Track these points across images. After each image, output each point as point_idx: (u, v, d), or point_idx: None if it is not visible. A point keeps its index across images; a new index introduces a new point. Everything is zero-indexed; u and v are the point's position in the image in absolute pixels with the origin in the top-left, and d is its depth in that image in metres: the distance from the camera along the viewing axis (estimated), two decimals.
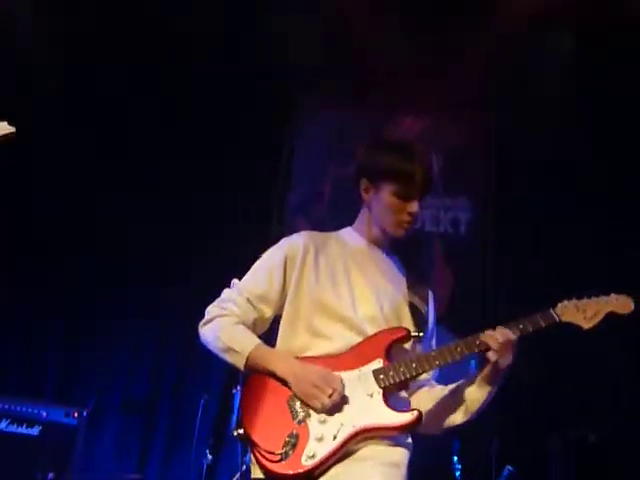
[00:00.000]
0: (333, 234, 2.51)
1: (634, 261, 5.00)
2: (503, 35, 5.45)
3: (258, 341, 2.27)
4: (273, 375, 2.19)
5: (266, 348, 2.25)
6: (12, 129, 1.90)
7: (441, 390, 2.34)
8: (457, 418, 2.29)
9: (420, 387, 2.36)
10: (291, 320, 2.32)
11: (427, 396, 2.34)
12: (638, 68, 5.19)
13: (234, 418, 4.31)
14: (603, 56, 5.36)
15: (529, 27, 5.46)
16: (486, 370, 2.23)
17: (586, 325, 2.24)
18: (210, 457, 4.35)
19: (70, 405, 4.50)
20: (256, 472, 2.13)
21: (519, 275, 5.42)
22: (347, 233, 2.50)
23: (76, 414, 4.42)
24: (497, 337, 2.16)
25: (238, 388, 4.38)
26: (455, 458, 4.30)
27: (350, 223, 2.52)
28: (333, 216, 5.79)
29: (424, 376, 2.31)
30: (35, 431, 4.35)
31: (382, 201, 2.34)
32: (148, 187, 5.61)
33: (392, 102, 5.82)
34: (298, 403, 2.14)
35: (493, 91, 5.66)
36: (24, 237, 5.44)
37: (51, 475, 4.18)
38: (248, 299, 2.33)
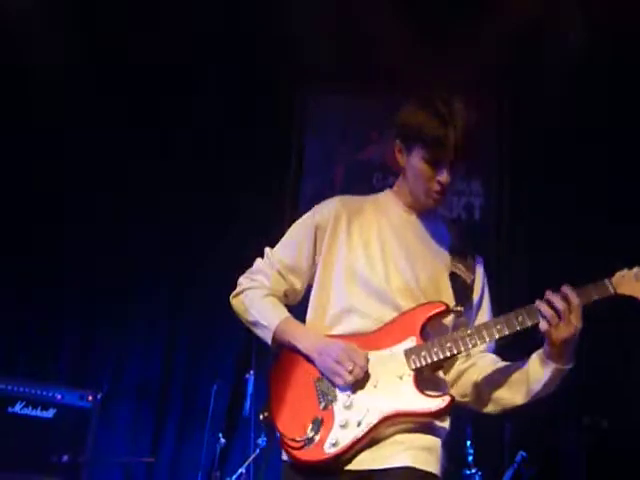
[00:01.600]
0: (371, 197, 2.36)
1: None
2: (518, 17, 5.38)
3: (286, 315, 2.20)
4: (299, 352, 2.11)
5: (293, 322, 2.18)
6: None
7: (497, 363, 2.15)
8: (517, 399, 2.08)
9: (473, 362, 2.18)
10: (321, 292, 2.22)
11: (479, 369, 2.16)
12: None
13: (247, 403, 4.34)
14: (620, 37, 5.28)
15: (546, 9, 5.39)
16: (549, 343, 1.96)
17: None
18: (223, 441, 4.37)
19: (84, 388, 4.52)
20: (284, 455, 2.08)
21: (535, 262, 5.38)
22: (386, 197, 2.34)
23: (90, 397, 4.43)
24: (548, 304, 1.93)
25: (251, 373, 4.40)
26: (468, 442, 4.28)
27: (391, 185, 2.37)
28: None
29: (477, 349, 2.11)
30: (50, 414, 4.36)
31: (413, 166, 2.17)
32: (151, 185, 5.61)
33: (405, 87, 5.77)
34: (325, 385, 2.05)
35: (508, 75, 5.60)
36: (40, 220, 5.45)
37: (65, 457, 4.21)
38: (278, 270, 2.26)
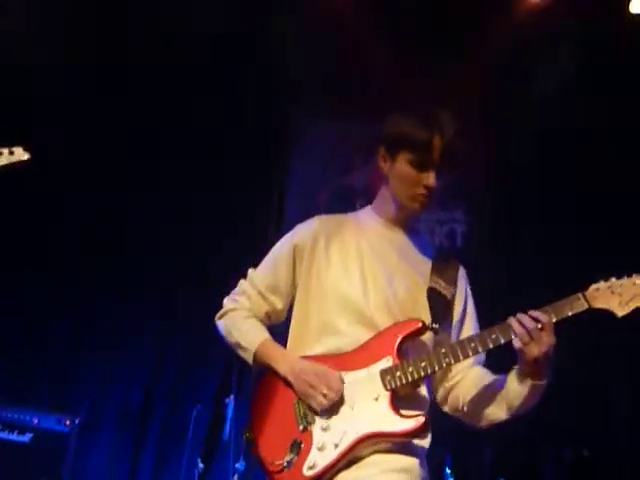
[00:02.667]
0: (351, 215, 2.38)
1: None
2: (502, 49, 5.49)
3: (266, 337, 2.22)
4: (277, 374, 2.14)
5: (272, 345, 2.19)
6: (27, 156, 1.95)
7: (485, 377, 2.15)
8: (500, 413, 2.08)
9: (461, 377, 2.19)
10: (301, 312, 2.24)
11: (468, 382, 2.17)
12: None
13: (227, 427, 4.30)
14: (605, 66, 5.38)
15: (529, 39, 5.49)
16: (522, 361, 1.98)
17: (621, 312, 1.94)
18: (202, 466, 4.33)
19: (62, 413, 4.47)
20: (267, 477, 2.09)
21: (516, 288, 5.41)
22: (365, 213, 2.35)
23: (68, 422, 4.39)
24: (519, 323, 1.94)
25: (231, 397, 4.37)
26: (448, 471, 4.28)
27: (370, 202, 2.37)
28: None
29: (465, 363, 2.12)
30: (26, 438, 4.32)
31: (398, 171, 2.17)
32: (151, 187, 5.61)
33: (399, 108, 5.81)
34: (303, 408, 2.07)
35: (491, 104, 5.68)
36: (24, 240, 5.40)
37: None
38: (259, 291, 2.29)
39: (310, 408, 2.06)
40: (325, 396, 2.01)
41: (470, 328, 2.24)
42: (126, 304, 5.40)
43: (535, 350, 1.92)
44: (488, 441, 4.41)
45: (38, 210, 5.40)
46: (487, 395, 2.11)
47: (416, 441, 2.05)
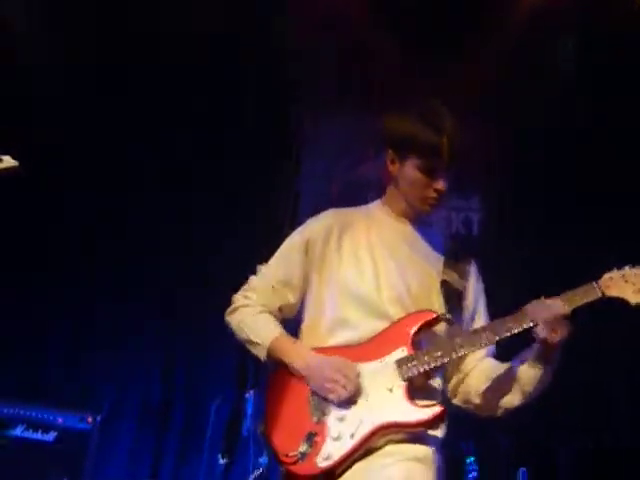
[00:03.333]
0: (363, 208, 2.38)
1: None
2: (509, 37, 5.44)
3: (279, 332, 2.21)
4: (292, 369, 2.14)
5: (286, 340, 2.19)
6: (15, 163, 1.95)
7: (496, 367, 2.18)
8: (514, 400, 2.13)
9: (473, 365, 2.21)
10: (313, 306, 2.24)
11: (479, 374, 2.19)
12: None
13: (247, 422, 4.32)
14: (604, 60, 5.33)
15: (533, 30, 5.45)
16: (536, 347, 2.04)
17: (634, 299, 1.98)
18: (223, 461, 4.34)
19: (84, 410, 4.50)
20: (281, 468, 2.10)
21: (534, 276, 5.37)
22: (376, 207, 2.35)
23: (90, 419, 4.42)
24: (544, 312, 1.98)
25: (250, 392, 4.38)
26: (472, 459, 4.26)
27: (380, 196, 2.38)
28: None
29: (477, 355, 2.17)
30: (50, 437, 4.35)
31: (407, 175, 2.18)
32: (151, 187, 5.62)
33: (402, 105, 5.79)
34: (317, 399, 2.07)
35: (508, 92, 5.63)
36: (31, 239, 5.42)
37: None
38: (272, 285, 2.28)
39: (325, 399, 2.05)
40: (344, 388, 2.01)
41: (482, 322, 2.25)
42: (143, 300, 5.43)
43: (557, 338, 1.96)
44: (509, 431, 4.39)
45: (39, 210, 5.42)
46: (500, 385, 2.13)
47: (430, 431, 2.06)
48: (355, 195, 5.81)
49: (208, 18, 5.37)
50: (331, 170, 6.07)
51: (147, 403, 5.41)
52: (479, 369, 2.20)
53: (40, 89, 5.28)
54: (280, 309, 2.30)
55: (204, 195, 5.60)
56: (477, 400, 2.18)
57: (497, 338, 2.04)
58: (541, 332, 1.98)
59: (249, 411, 4.34)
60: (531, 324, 2.01)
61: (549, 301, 2.01)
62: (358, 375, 2.04)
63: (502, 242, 5.66)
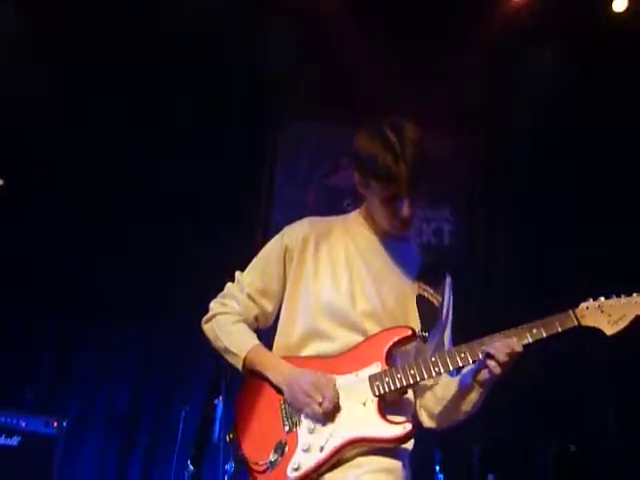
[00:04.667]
0: (340, 219, 2.35)
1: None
2: (489, 50, 5.51)
3: (255, 342, 2.20)
4: (267, 380, 2.13)
5: (262, 351, 2.18)
6: (1, 181, 1.93)
7: (447, 386, 2.20)
8: (451, 421, 2.19)
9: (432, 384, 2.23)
10: (288, 315, 2.23)
11: (435, 392, 2.21)
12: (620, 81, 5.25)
13: (216, 429, 4.29)
14: (586, 69, 5.42)
15: (514, 43, 5.53)
16: (483, 375, 2.06)
17: (610, 331, 1.99)
18: (191, 468, 4.31)
19: (50, 415, 4.44)
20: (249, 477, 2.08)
21: (505, 286, 5.44)
22: (354, 218, 2.32)
23: (56, 424, 4.37)
24: (501, 348, 1.99)
25: (220, 399, 4.35)
26: (437, 467, 4.29)
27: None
28: None
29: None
30: (14, 441, 4.29)
31: (372, 202, 2.18)
32: (141, 187, 5.59)
33: (377, 115, 5.83)
34: (290, 410, 2.07)
35: (478, 104, 5.71)
36: (15, 243, 5.36)
37: None
38: (249, 294, 2.27)
39: (294, 412, 2.06)
40: (320, 405, 2.01)
41: (447, 337, 2.28)
42: (115, 306, 5.38)
43: (506, 370, 2.01)
44: (477, 438, 4.43)
45: (28, 211, 5.37)
46: (449, 406, 2.18)
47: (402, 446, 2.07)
48: (331, 202, 5.84)
49: (192, 20, 5.36)
50: (306, 177, 6.09)
51: (115, 409, 5.35)
52: (435, 390, 2.23)
53: (40, 87, 5.24)
54: (256, 318, 2.29)
55: (176, 197, 5.56)
56: (424, 417, 2.24)
57: (472, 360, 2.06)
58: (493, 368, 2.01)
59: (218, 417, 4.32)
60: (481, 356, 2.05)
61: (507, 340, 2.02)
62: (336, 394, 2.04)
63: (473, 252, 5.71)
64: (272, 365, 2.14)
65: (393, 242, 2.27)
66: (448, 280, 2.31)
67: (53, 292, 5.39)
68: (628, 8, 5.30)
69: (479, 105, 5.68)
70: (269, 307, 2.29)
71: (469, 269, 5.74)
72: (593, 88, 5.36)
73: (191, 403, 4.71)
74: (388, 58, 5.53)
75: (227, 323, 2.25)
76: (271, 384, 2.13)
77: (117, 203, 5.53)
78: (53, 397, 5.29)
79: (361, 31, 5.55)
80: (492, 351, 2.00)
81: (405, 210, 2.11)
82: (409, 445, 2.10)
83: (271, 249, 2.32)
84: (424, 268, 2.28)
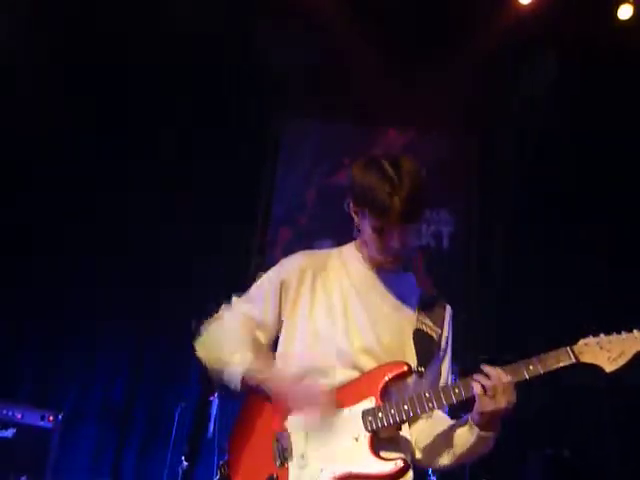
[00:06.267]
0: (335, 252, 2.31)
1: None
2: (489, 52, 5.51)
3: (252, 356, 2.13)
4: (261, 401, 2.09)
5: (263, 362, 2.13)
6: None
7: (441, 425, 2.13)
8: (444, 460, 2.12)
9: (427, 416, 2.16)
10: (285, 349, 2.20)
11: (428, 428, 2.15)
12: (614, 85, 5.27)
13: (211, 425, 4.30)
14: (583, 74, 5.43)
15: (516, 45, 5.53)
16: (475, 412, 1.99)
17: (609, 368, 1.94)
18: (185, 464, 4.32)
19: (46, 408, 4.46)
20: None
21: (502, 290, 5.44)
22: (349, 250, 2.29)
23: (51, 417, 4.38)
24: (492, 384, 1.93)
25: (215, 396, 4.37)
26: (430, 470, 4.29)
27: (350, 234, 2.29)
28: (317, 225, 5.83)
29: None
30: (9, 433, 4.30)
31: (364, 230, 2.16)
32: (135, 188, 5.58)
33: (376, 116, 5.86)
34: (282, 443, 2.05)
35: (477, 106, 5.71)
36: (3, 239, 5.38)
37: (24, 478, 4.15)
38: (243, 323, 2.21)
39: (289, 443, 2.03)
40: (320, 408, 1.99)
41: (445, 369, 2.23)
42: (109, 301, 5.39)
43: (490, 406, 1.93)
44: None
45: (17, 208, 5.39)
46: (438, 442, 2.11)
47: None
48: (331, 201, 5.83)
49: (193, 20, 5.36)
50: (308, 175, 6.10)
51: (110, 404, 5.36)
52: (426, 425, 2.16)
53: (39, 86, 5.24)
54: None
55: (176, 196, 5.57)
56: (418, 454, 2.16)
57: (466, 396, 1.99)
58: (482, 401, 1.95)
59: (213, 414, 4.33)
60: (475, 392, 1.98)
61: (500, 375, 1.94)
62: (334, 403, 2.01)
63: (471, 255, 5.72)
64: (269, 374, 2.10)
65: (389, 275, 2.23)
66: (448, 311, 2.27)
67: (49, 288, 5.39)
68: (633, 16, 5.30)
69: (479, 106, 5.69)
70: (263, 340, 2.23)
71: (467, 270, 5.76)
72: (594, 92, 5.36)
73: (186, 399, 4.73)
74: (387, 60, 5.54)
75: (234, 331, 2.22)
76: (266, 410, 2.09)
77: (117, 202, 5.53)
78: (48, 391, 5.29)
79: (360, 32, 5.55)
80: (480, 387, 1.94)
81: (395, 242, 2.08)
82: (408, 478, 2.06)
83: (268, 282, 2.27)
84: (423, 300, 2.25)
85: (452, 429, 2.09)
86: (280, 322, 2.23)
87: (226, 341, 2.20)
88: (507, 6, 5.52)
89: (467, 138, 6.09)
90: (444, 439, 2.10)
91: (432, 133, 6.01)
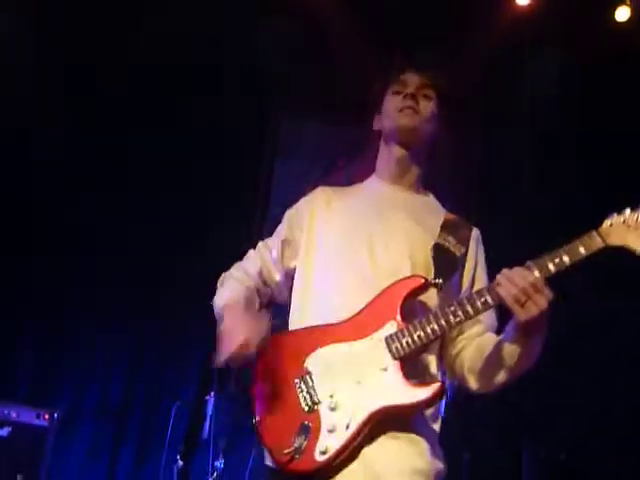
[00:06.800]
0: (355, 185, 2.32)
1: None
2: (489, 52, 5.51)
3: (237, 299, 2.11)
4: (277, 351, 1.99)
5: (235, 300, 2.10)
6: None
7: (490, 344, 1.96)
8: (500, 377, 1.94)
9: (470, 341, 2.02)
10: (304, 275, 2.12)
11: (474, 351, 2.00)
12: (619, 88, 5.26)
13: (206, 425, 4.30)
14: (588, 77, 5.42)
15: (515, 46, 5.53)
16: (512, 323, 1.85)
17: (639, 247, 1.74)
18: (181, 463, 4.32)
19: (41, 407, 4.45)
20: (267, 459, 1.94)
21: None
22: (369, 181, 2.29)
23: (47, 416, 4.37)
24: (511, 286, 1.77)
25: (211, 395, 4.37)
26: None
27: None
28: None
29: (477, 327, 2.00)
30: (4, 432, 4.29)
31: (385, 107, 2.24)
32: (130, 187, 5.57)
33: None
34: (305, 385, 1.90)
35: (476, 107, 5.71)
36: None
37: (19, 477, 4.14)
38: (275, 247, 2.22)
39: (312, 383, 1.90)
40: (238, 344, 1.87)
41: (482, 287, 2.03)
42: (107, 301, 5.38)
43: (531, 312, 1.77)
44: (466, 445, 4.44)
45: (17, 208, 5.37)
46: (489, 364, 1.95)
47: (430, 423, 1.93)
48: None
49: (189, 18, 5.36)
50: (305, 174, 6.09)
51: (107, 403, 5.35)
52: (475, 345, 2.01)
53: (40, 85, 5.22)
54: (265, 282, 2.22)
55: (174, 194, 5.57)
56: (471, 380, 2.01)
57: (494, 303, 1.83)
58: (509, 304, 1.79)
59: (209, 414, 4.33)
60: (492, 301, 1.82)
61: (519, 270, 1.79)
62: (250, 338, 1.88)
63: None
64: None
65: (413, 194, 2.22)
66: (475, 234, 2.17)
67: (45, 287, 5.38)
68: (630, 18, 5.30)
69: (478, 106, 5.68)
70: (292, 262, 2.19)
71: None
72: (593, 92, 5.36)
73: (182, 399, 4.73)
74: (384, 60, 5.53)
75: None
76: (282, 356, 1.98)
77: (117, 202, 5.52)
78: (45, 389, 5.28)
79: (359, 29, 5.54)
80: (500, 290, 1.79)
81: (411, 88, 2.19)
82: (437, 426, 1.95)
83: (292, 211, 2.29)
84: (447, 219, 2.16)
85: (499, 345, 1.92)
86: (301, 247, 2.17)
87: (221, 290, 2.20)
88: (504, 8, 5.52)
89: (466, 142, 6.07)
90: (495, 358, 1.93)
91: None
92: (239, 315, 1.99)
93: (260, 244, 2.29)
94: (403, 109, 2.16)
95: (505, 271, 1.81)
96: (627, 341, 5.04)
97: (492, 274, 1.93)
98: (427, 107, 2.19)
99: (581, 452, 4.80)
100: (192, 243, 5.42)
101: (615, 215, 1.79)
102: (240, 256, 2.36)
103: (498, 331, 2.03)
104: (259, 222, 5.78)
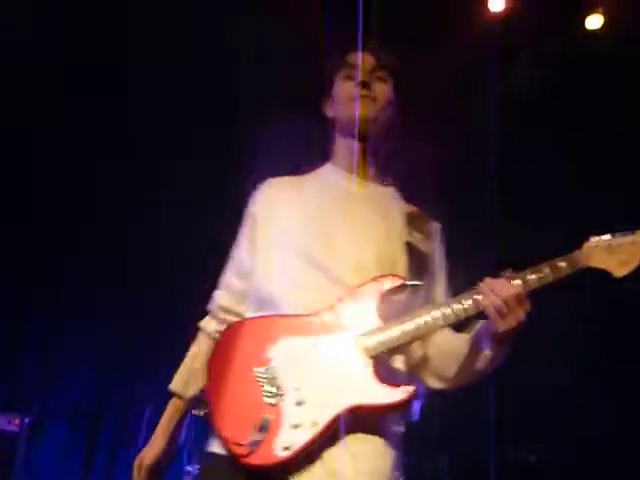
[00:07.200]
0: (310, 174, 2.16)
1: None
2: (457, 67, 5.55)
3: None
4: (240, 336, 1.88)
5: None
6: None
7: (455, 341, 1.93)
8: (465, 378, 1.93)
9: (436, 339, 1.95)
10: (263, 272, 1.98)
11: (438, 348, 1.95)
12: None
13: (182, 430, 4.28)
14: (560, 82, 5.49)
15: (483, 59, 5.58)
16: (477, 330, 1.85)
17: (619, 272, 1.76)
18: None
19: (12, 413, 4.40)
20: (212, 446, 1.86)
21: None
22: (326, 169, 2.15)
23: (17, 421, 4.33)
24: (494, 296, 1.74)
25: None
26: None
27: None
28: None
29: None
30: None
31: (336, 92, 2.13)
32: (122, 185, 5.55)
33: None
34: (268, 376, 1.79)
35: (459, 108, 5.75)
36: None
37: None
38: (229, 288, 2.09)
39: (278, 374, 1.79)
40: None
41: (442, 285, 2.05)
42: (80, 303, 5.34)
43: (507, 324, 1.74)
44: (443, 450, 4.46)
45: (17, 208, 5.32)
46: (456, 361, 1.92)
47: (394, 426, 1.87)
48: None
49: (193, 19, 5.35)
50: (272, 172, 6.07)
51: (79, 408, 5.31)
52: (439, 344, 1.95)
53: (40, 85, 5.17)
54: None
55: (149, 194, 5.54)
56: (433, 378, 1.98)
57: (475, 311, 1.80)
58: (492, 320, 1.76)
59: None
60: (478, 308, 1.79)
61: (502, 281, 1.76)
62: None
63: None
64: None
65: (372, 185, 2.09)
66: (437, 227, 2.11)
67: (19, 290, 5.33)
68: (601, 27, 5.37)
69: (457, 111, 5.72)
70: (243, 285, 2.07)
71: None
72: (565, 97, 5.42)
73: (156, 402, 4.70)
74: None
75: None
76: (244, 342, 1.86)
77: (116, 202, 5.49)
78: (16, 395, 5.23)
79: (333, 29, 5.54)
80: (481, 301, 1.77)
81: (362, 75, 2.06)
82: (403, 427, 1.89)
83: (243, 223, 2.15)
84: (409, 212, 2.06)
85: (470, 349, 1.89)
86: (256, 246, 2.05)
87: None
88: (478, 15, 5.56)
89: (435, 155, 6.10)
90: (463, 360, 1.90)
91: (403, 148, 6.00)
92: (158, 429, 2.17)
93: (230, 255, 2.17)
94: (358, 99, 2.03)
95: (488, 280, 1.79)
96: (601, 341, 5.09)
97: (469, 278, 1.91)
98: (383, 92, 2.08)
99: (551, 455, 4.85)
100: (164, 243, 5.39)
101: (601, 237, 1.80)
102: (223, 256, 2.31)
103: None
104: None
